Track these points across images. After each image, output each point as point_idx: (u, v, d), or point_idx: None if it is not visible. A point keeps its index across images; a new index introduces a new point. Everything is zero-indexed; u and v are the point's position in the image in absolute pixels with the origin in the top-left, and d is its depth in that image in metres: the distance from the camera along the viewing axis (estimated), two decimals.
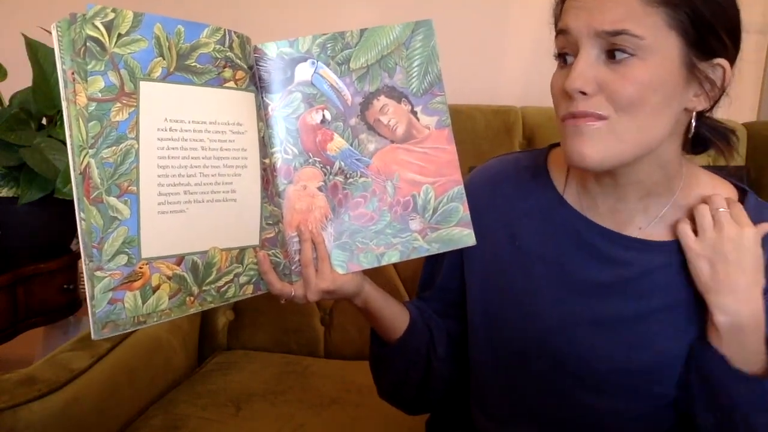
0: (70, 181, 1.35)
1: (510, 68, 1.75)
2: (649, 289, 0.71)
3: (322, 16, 1.79)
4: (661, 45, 0.61)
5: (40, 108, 1.39)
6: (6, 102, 1.44)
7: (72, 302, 1.55)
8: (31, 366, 1.04)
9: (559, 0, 0.68)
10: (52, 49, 0.59)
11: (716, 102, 0.68)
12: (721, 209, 0.67)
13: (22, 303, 1.41)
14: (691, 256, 0.68)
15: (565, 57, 0.66)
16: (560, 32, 0.66)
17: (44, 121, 1.44)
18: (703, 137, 0.71)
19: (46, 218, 1.44)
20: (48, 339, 1.67)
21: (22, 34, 1.37)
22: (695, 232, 0.68)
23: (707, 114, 0.70)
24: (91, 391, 1.06)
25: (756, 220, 0.70)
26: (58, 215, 1.46)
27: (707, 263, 0.67)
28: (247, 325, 1.47)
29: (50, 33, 0.59)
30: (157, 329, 1.28)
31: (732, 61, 0.66)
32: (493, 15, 1.74)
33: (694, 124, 0.67)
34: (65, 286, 1.50)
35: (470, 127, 1.42)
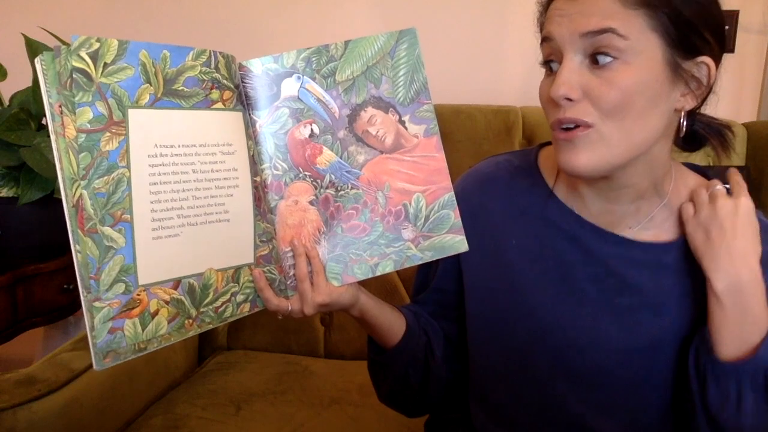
0: None
1: (510, 68, 1.75)
2: (639, 288, 0.71)
3: (323, 20, 1.79)
4: (643, 47, 0.61)
5: (40, 108, 1.39)
6: (6, 102, 1.44)
7: (72, 302, 1.55)
8: (31, 366, 1.04)
9: (542, 8, 0.69)
10: (53, 50, 0.59)
11: (704, 100, 0.68)
12: (717, 186, 0.69)
13: (22, 303, 1.41)
14: (689, 228, 0.69)
15: (550, 64, 0.67)
16: (544, 40, 0.66)
17: (44, 121, 1.44)
18: (697, 134, 0.71)
19: (46, 218, 1.44)
20: (48, 339, 1.67)
21: (22, 34, 1.37)
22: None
23: (699, 111, 0.70)
24: (91, 391, 1.06)
25: None
26: (58, 215, 1.45)
27: (703, 232, 0.67)
28: (247, 325, 1.47)
29: (50, 33, 0.59)
30: None
31: (717, 58, 0.65)
32: (493, 15, 1.74)
33: (684, 123, 0.67)
34: (65, 286, 1.50)
35: (470, 127, 1.42)
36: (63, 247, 1.54)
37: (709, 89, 0.66)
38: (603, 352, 0.72)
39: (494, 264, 0.77)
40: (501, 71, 1.76)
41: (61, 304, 1.51)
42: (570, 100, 0.63)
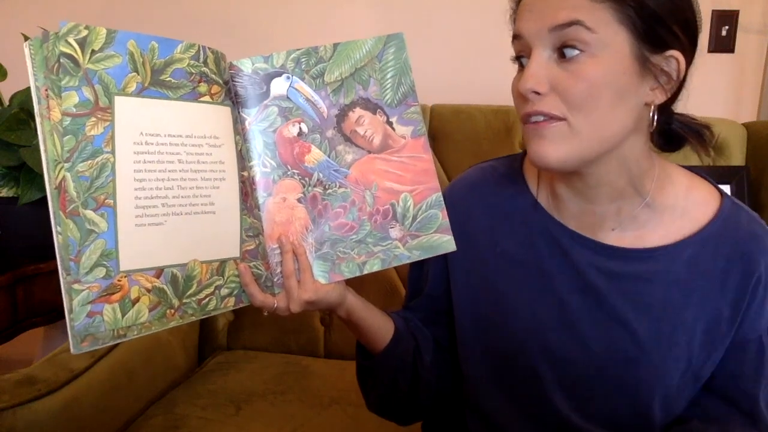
0: None
1: (510, 68, 1.74)
2: (618, 299, 0.70)
3: (322, 21, 1.79)
4: (611, 40, 0.61)
5: None
6: (6, 102, 1.44)
7: None
8: (31, 366, 1.04)
9: (514, 5, 0.69)
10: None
11: (676, 95, 0.67)
12: None
13: (22, 303, 1.41)
14: None
15: (521, 61, 0.67)
16: (515, 37, 0.67)
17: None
18: (675, 134, 0.70)
19: (46, 218, 1.44)
20: (48, 339, 1.67)
21: (22, 34, 1.37)
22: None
23: (677, 111, 0.69)
24: (91, 391, 1.06)
25: (732, 223, 0.70)
26: None
27: None
28: (247, 325, 1.47)
29: (24, 48, 0.60)
30: None
31: (687, 52, 0.65)
32: (493, 15, 1.74)
33: (656, 117, 0.66)
34: None
35: (470, 127, 1.42)
36: None
37: (680, 84, 0.66)
38: (583, 361, 0.71)
39: (480, 270, 0.77)
40: (501, 71, 1.76)
41: (61, 304, 1.50)
42: (538, 93, 0.63)
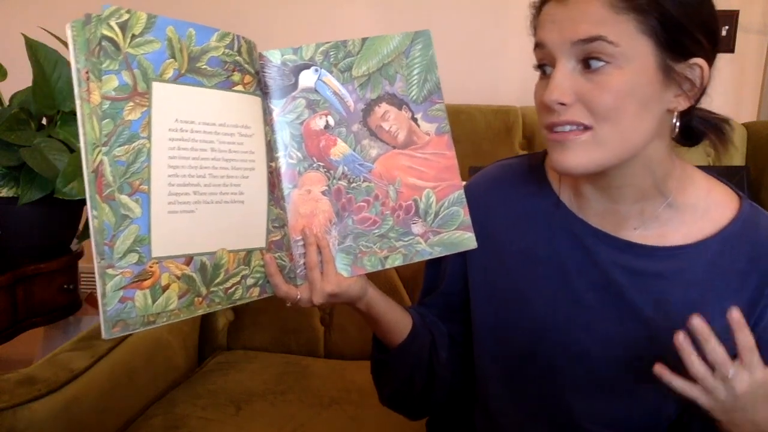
0: (70, 181, 1.35)
1: (510, 68, 1.75)
2: (640, 297, 0.71)
3: (322, 21, 1.79)
4: (635, 51, 0.61)
5: (40, 108, 1.39)
6: (6, 102, 1.44)
7: (72, 302, 1.55)
8: (31, 366, 1.04)
9: (535, 11, 0.69)
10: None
11: (697, 100, 0.67)
12: (731, 371, 0.60)
13: (22, 303, 1.41)
14: (706, 404, 0.62)
15: (544, 68, 0.67)
16: (537, 45, 0.66)
17: (44, 121, 1.44)
18: (695, 129, 0.70)
19: (46, 218, 1.44)
20: (48, 339, 1.67)
21: (22, 34, 1.37)
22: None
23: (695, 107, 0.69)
24: (91, 391, 1.06)
25: (751, 225, 0.71)
26: (58, 215, 1.46)
27: (723, 413, 0.62)
28: (247, 325, 1.47)
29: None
30: (158, 329, 1.28)
31: (709, 58, 0.65)
32: (493, 15, 1.74)
33: (677, 124, 0.67)
34: (65, 286, 1.50)
35: (470, 127, 1.42)
36: (63, 247, 1.54)
37: (702, 90, 0.66)
38: (602, 358, 0.71)
39: (498, 267, 0.77)
40: (501, 71, 1.76)
41: (61, 304, 1.51)
42: (563, 104, 0.63)
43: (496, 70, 1.76)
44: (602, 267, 0.72)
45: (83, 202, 1.41)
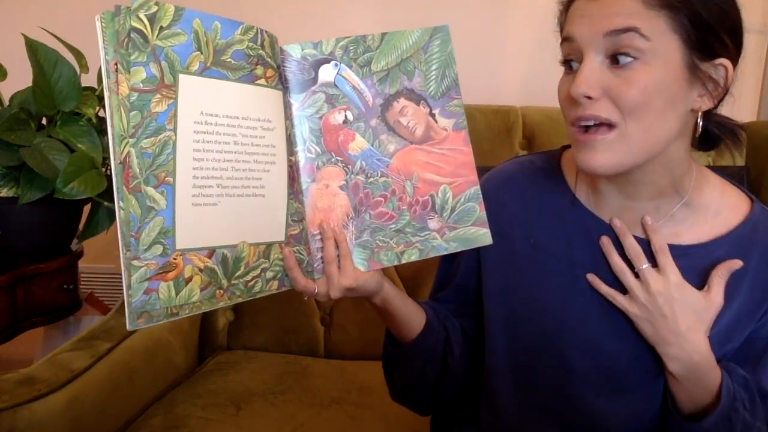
0: (70, 181, 1.35)
1: (510, 68, 1.75)
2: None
3: (323, 18, 1.79)
4: (664, 48, 0.62)
5: (40, 108, 1.39)
6: (6, 102, 1.44)
7: (72, 302, 1.55)
8: (31, 366, 1.04)
9: (563, 8, 0.69)
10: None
11: (721, 101, 0.68)
12: (643, 266, 0.69)
13: (22, 303, 1.41)
14: (631, 317, 0.70)
15: (570, 63, 0.67)
16: (565, 39, 0.67)
17: (44, 121, 1.44)
18: (712, 134, 0.71)
19: (46, 218, 1.44)
20: (48, 339, 1.67)
21: (22, 34, 1.37)
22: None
23: (713, 111, 0.70)
24: (91, 391, 1.06)
25: (762, 226, 0.72)
26: (58, 215, 1.45)
27: (647, 322, 0.69)
28: (247, 325, 1.47)
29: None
30: (158, 329, 1.28)
31: (734, 60, 0.66)
32: (493, 15, 1.74)
33: (701, 123, 0.67)
34: (65, 286, 1.50)
35: (470, 127, 1.39)
36: (63, 247, 1.54)
37: (726, 90, 0.67)
38: (612, 356, 0.72)
39: (512, 262, 0.78)
40: (501, 71, 1.76)
41: (61, 304, 1.51)
42: (590, 98, 0.63)
43: (496, 70, 1.76)
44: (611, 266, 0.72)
45: (83, 202, 1.42)
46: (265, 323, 1.46)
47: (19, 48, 1.36)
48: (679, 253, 0.71)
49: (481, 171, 0.76)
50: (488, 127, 1.41)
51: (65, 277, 1.50)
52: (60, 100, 1.37)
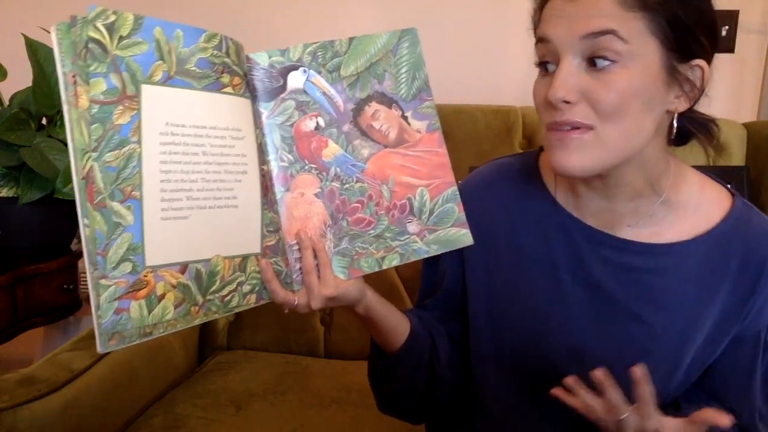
0: (70, 181, 1.35)
1: (510, 68, 1.75)
2: (635, 290, 0.71)
3: (325, 19, 1.79)
4: (642, 51, 0.61)
5: (40, 108, 1.39)
6: (6, 102, 1.44)
7: (72, 302, 1.55)
8: (31, 366, 1.04)
9: (537, 7, 0.68)
10: (53, 50, 0.58)
11: (696, 101, 0.67)
12: (624, 416, 0.63)
13: (22, 303, 1.41)
14: None
15: (546, 65, 0.66)
16: (540, 40, 0.66)
17: (44, 121, 1.44)
18: (683, 129, 0.70)
19: (46, 218, 1.45)
20: (48, 339, 1.67)
21: (22, 34, 1.37)
22: None
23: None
24: (91, 391, 1.06)
25: (743, 222, 0.71)
26: (58, 215, 1.46)
27: None
28: (247, 325, 1.47)
29: (50, 33, 0.58)
30: None
31: (709, 59, 0.65)
32: (493, 15, 1.74)
33: (675, 124, 0.67)
34: (65, 286, 1.50)
35: (471, 127, 1.42)
36: (63, 247, 1.54)
37: (702, 91, 0.66)
38: (596, 358, 0.71)
39: (495, 266, 0.77)
40: (501, 71, 1.76)
41: (61, 304, 1.51)
42: (567, 102, 0.62)
43: (497, 70, 1.76)
44: (596, 265, 0.72)
45: None
46: (265, 323, 1.46)
47: (19, 48, 1.36)
48: (659, 250, 0.71)
49: None
50: (488, 127, 1.41)
51: (65, 277, 1.50)
52: (60, 100, 1.37)
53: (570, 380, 0.65)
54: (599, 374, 0.63)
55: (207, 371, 1.34)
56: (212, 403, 1.19)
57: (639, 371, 0.62)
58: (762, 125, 1.41)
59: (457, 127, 1.41)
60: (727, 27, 1.58)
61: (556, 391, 0.65)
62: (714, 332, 0.71)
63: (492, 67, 1.76)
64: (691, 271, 0.70)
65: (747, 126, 1.39)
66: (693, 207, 0.72)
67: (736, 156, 1.37)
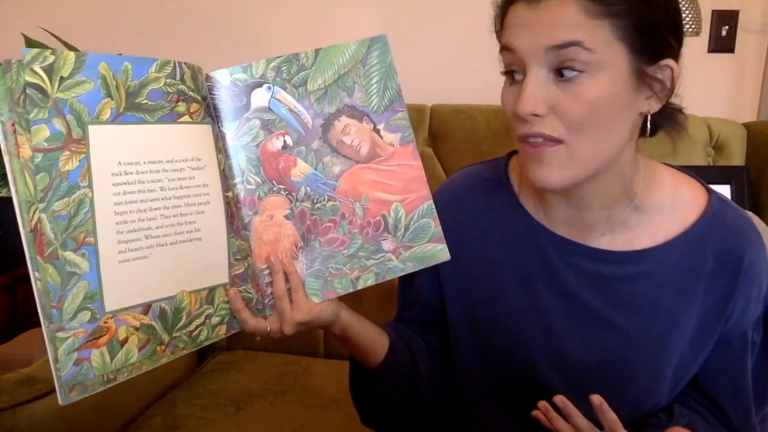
0: None
1: None
2: (611, 298, 0.70)
3: (322, 20, 1.79)
4: (609, 58, 0.60)
5: None
6: None
7: None
8: (31, 366, 1.04)
9: (498, 12, 0.67)
10: (1, 64, 0.57)
11: (667, 100, 0.66)
12: None
13: (22, 303, 1.41)
14: None
15: (512, 73, 0.65)
16: (505, 48, 0.64)
17: None
18: (652, 122, 0.69)
19: None
20: None
21: (22, 34, 1.37)
22: None
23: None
24: None
25: (718, 220, 0.70)
26: None
27: None
28: None
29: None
30: None
31: (677, 57, 0.64)
32: (493, 15, 1.74)
33: (649, 126, 0.66)
34: None
35: (470, 127, 1.42)
36: None
37: (672, 89, 0.65)
38: (576, 366, 0.71)
39: (470, 278, 0.76)
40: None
41: None
42: (537, 115, 0.61)
43: (497, 70, 1.76)
44: (568, 275, 0.71)
45: None
46: None
47: (19, 48, 1.36)
48: (634, 258, 0.70)
49: None
50: (488, 127, 1.41)
51: None
52: None
53: (541, 404, 0.66)
54: (558, 400, 0.64)
55: (207, 371, 1.35)
56: (212, 403, 1.19)
57: (597, 399, 0.63)
58: (762, 125, 1.41)
59: (457, 127, 1.41)
60: (727, 27, 1.58)
61: (537, 414, 0.67)
62: (697, 334, 0.71)
63: (492, 67, 1.75)
64: (667, 275, 0.69)
65: (747, 126, 1.39)
66: (668, 209, 0.71)
67: (736, 156, 1.36)
